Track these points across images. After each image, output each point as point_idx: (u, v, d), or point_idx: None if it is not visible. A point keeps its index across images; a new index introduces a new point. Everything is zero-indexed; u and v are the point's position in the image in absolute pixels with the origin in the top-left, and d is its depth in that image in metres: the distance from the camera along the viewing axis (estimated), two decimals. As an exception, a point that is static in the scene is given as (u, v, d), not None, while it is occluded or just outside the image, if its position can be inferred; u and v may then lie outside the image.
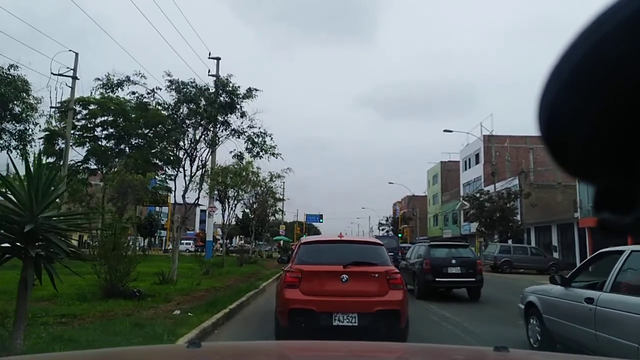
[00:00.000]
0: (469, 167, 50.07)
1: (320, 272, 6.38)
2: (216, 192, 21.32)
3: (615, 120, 0.46)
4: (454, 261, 13.00)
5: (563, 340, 5.78)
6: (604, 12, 0.43)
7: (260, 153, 13.36)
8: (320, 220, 70.24)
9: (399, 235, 59.19)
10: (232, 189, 21.16)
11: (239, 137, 12.81)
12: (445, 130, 37.76)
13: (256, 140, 12.93)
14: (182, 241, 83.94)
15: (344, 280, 6.27)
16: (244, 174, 21.48)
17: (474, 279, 12.65)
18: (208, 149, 12.77)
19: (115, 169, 26.01)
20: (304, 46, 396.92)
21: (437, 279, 12.63)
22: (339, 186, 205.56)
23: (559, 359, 2.75)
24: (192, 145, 12.59)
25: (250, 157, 13.35)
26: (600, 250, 6.04)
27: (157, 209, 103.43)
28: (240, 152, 13.67)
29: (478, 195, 33.63)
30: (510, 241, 32.76)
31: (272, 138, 13.07)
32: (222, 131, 12.85)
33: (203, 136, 12.66)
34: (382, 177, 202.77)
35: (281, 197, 34.72)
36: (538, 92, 0.50)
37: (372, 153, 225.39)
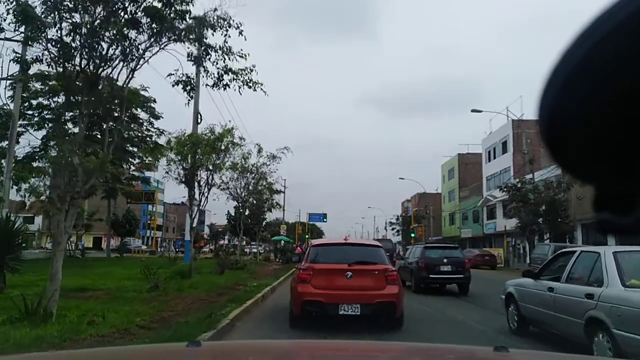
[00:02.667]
0: (494, 158, 43.52)
1: (329, 270, 7.58)
2: (181, 171, 14.57)
3: (615, 120, 0.46)
4: (445, 260, 14.64)
5: (533, 322, 7.18)
6: (605, 12, 0.43)
7: (226, 78, 6.77)
8: (324, 220, 64.48)
9: (412, 234, 53.89)
10: (203, 168, 14.49)
11: (181, 41, 6.28)
12: (473, 110, 31.86)
13: (214, 45, 6.36)
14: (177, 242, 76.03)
15: (348, 276, 7.48)
16: (222, 146, 14.86)
17: (462, 276, 14.46)
18: (124, 65, 6.25)
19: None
20: (306, 44, 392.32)
21: (431, 276, 14.40)
22: (342, 186, 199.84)
23: (559, 359, 2.79)
24: (95, 59, 6.18)
25: (208, 82, 6.81)
26: (561, 250, 7.88)
27: (151, 207, 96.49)
28: (186, 76, 7.10)
29: (519, 184, 26.92)
30: (547, 240, 26.42)
31: (242, 32, 6.59)
32: (151, 36, 6.31)
33: (116, 42, 6.23)
34: (387, 176, 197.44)
35: (280, 188, 27.94)
36: (539, 91, 0.51)
37: (377, 152, 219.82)
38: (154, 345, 4.19)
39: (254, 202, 28.28)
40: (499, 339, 7.21)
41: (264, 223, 48.03)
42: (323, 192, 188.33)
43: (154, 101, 30.40)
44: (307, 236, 71.85)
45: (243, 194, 21.97)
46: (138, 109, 30.90)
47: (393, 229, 67.00)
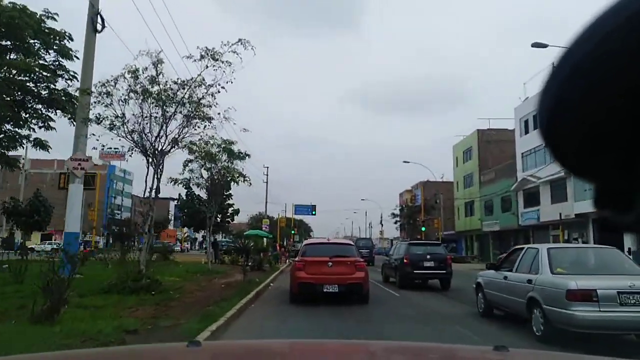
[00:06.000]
0: (534, 129, 32.40)
1: (316, 261, 11.19)
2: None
3: (617, 117, 0.48)
4: (429, 257, 15.83)
5: (495, 305, 9.27)
6: (608, 10, 0.45)
7: None
8: (313, 213, 60.21)
9: (423, 229, 45.86)
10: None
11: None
12: (535, 45, 20.87)
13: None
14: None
15: (329, 265, 11.03)
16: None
17: (444, 272, 15.83)
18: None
19: None
20: (291, 41, 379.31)
21: (415, 271, 15.66)
22: (333, 181, 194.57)
23: (559, 359, 2.93)
24: None
25: None
26: (514, 247, 9.87)
27: (121, 196, 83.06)
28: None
29: None
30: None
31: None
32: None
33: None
34: (381, 169, 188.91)
35: (239, 138, 16.42)
36: (540, 89, 0.53)
37: (371, 148, 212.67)
38: (154, 345, 4.34)
39: (205, 171, 16.49)
40: (467, 319, 9.49)
41: (230, 210, 36.57)
42: (314, 188, 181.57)
43: (69, 38, 17.73)
44: (292, 232, 60.37)
45: (161, 143, 10.10)
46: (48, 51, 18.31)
47: (396, 222, 55.64)
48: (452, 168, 56.41)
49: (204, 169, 19.32)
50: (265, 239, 38.58)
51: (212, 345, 3.07)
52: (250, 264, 21.35)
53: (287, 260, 32.66)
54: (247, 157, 19.77)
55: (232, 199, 41.47)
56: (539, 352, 4.48)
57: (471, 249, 50.86)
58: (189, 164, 18.37)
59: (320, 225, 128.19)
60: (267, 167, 53.10)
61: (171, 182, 19.02)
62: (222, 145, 18.44)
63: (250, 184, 20.80)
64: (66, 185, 39.47)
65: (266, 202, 53.37)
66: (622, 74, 0.44)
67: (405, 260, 15.63)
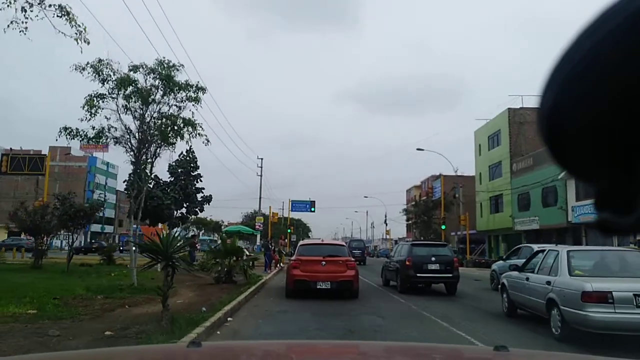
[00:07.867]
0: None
1: (310, 260, 12.68)
2: None
3: (617, 118, 0.49)
4: (433, 258, 14.90)
5: (518, 305, 10.01)
6: (609, 8, 0.46)
7: None
8: (312, 210, 54.58)
9: (443, 227, 41.20)
10: None
11: None
12: None
13: None
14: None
15: (323, 264, 12.49)
16: None
17: (450, 275, 14.77)
18: None
19: None
20: (285, 37, 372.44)
21: (418, 275, 14.76)
22: (334, 183, 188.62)
23: (559, 359, 3.00)
24: None
25: None
26: (536, 250, 11.08)
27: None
28: None
29: None
30: None
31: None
32: None
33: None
34: (382, 170, 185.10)
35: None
36: (540, 88, 0.54)
37: (368, 147, 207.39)
38: (154, 345, 4.30)
39: (134, 118, 8.87)
40: (489, 317, 10.42)
41: (199, 197, 28.89)
42: (314, 188, 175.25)
43: None
44: (288, 230, 53.46)
45: None
46: None
47: (409, 220, 48.56)
48: (467, 160, 49.37)
49: (130, 114, 12.14)
50: (258, 235, 31.25)
51: (212, 346, 3.03)
52: (219, 274, 13.92)
53: (278, 265, 25.40)
54: (202, 93, 12.78)
55: (201, 180, 34.39)
56: (539, 352, 4.57)
57: (496, 252, 43.67)
58: (98, 101, 10.73)
59: (320, 225, 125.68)
60: (262, 159, 46.26)
61: (65, 133, 11.46)
62: (157, 70, 11.04)
63: (209, 141, 13.95)
64: (8, 169, 30.50)
65: (260, 197, 47.37)
66: (624, 73, 0.43)
67: (407, 263, 14.84)
